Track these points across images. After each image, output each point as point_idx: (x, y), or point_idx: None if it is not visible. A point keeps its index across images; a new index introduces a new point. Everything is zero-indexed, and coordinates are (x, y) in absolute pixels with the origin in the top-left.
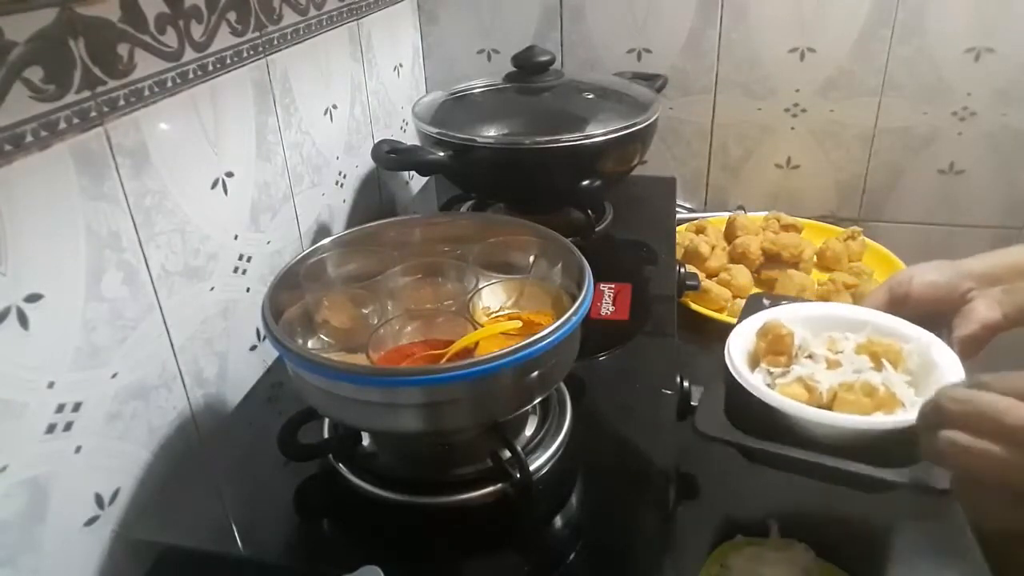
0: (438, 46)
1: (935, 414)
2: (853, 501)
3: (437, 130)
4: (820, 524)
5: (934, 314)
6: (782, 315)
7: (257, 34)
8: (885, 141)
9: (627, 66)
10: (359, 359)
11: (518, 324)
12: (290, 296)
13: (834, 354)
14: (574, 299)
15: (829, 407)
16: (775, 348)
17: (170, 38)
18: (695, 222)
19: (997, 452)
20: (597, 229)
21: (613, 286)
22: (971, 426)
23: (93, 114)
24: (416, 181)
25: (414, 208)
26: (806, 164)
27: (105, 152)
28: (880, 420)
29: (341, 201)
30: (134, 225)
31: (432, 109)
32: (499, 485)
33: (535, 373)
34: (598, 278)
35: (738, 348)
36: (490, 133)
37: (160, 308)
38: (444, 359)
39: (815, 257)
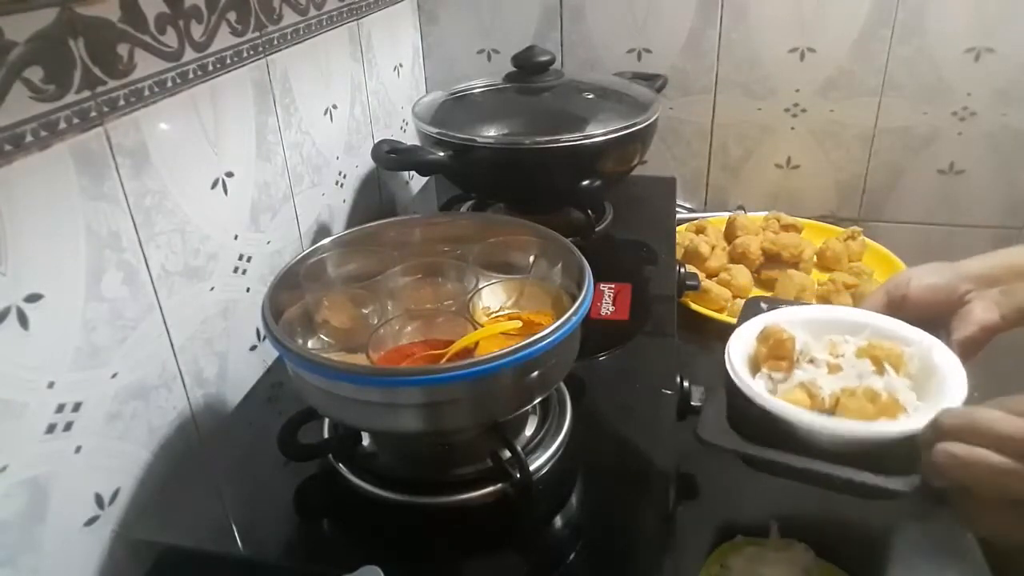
0: (438, 46)
1: (933, 431)
2: (853, 502)
3: (437, 130)
4: (820, 524)
5: (932, 316)
6: (782, 319)
7: (257, 34)
8: (885, 141)
9: (627, 66)
10: (359, 359)
11: (518, 324)
12: (290, 296)
13: (835, 358)
14: (574, 299)
15: (832, 413)
16: (776, 353)
17: (170, 38)
18: (695, 222)
19: (993, 460)
20: (597, 229)
21: (613, 286)
22: (967, 438)
23: (93, 114)
24: (416, 181)
25: (414, 208)
26: (806, 164)
27: (105, 152)
28: (885, 427)
29: (341, 201)
30: (134, 225)
31: (432, 109)
32: (499, 485)
33: (535, 373)
34: (598, 278)
35: (738, 353)
36: (490, 133)
37: (160, 308)
38: (444, 359)
39: (815, 257)
